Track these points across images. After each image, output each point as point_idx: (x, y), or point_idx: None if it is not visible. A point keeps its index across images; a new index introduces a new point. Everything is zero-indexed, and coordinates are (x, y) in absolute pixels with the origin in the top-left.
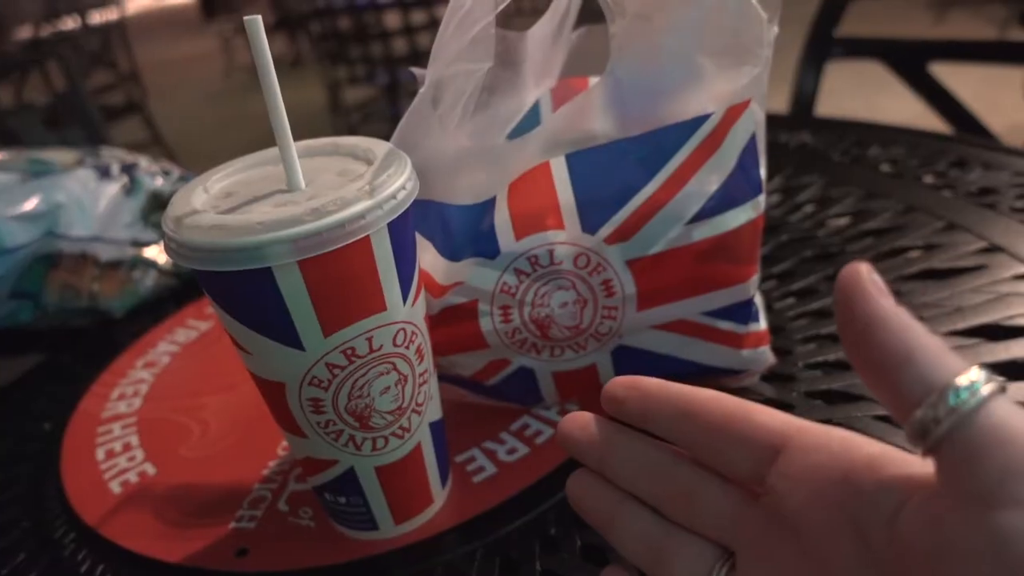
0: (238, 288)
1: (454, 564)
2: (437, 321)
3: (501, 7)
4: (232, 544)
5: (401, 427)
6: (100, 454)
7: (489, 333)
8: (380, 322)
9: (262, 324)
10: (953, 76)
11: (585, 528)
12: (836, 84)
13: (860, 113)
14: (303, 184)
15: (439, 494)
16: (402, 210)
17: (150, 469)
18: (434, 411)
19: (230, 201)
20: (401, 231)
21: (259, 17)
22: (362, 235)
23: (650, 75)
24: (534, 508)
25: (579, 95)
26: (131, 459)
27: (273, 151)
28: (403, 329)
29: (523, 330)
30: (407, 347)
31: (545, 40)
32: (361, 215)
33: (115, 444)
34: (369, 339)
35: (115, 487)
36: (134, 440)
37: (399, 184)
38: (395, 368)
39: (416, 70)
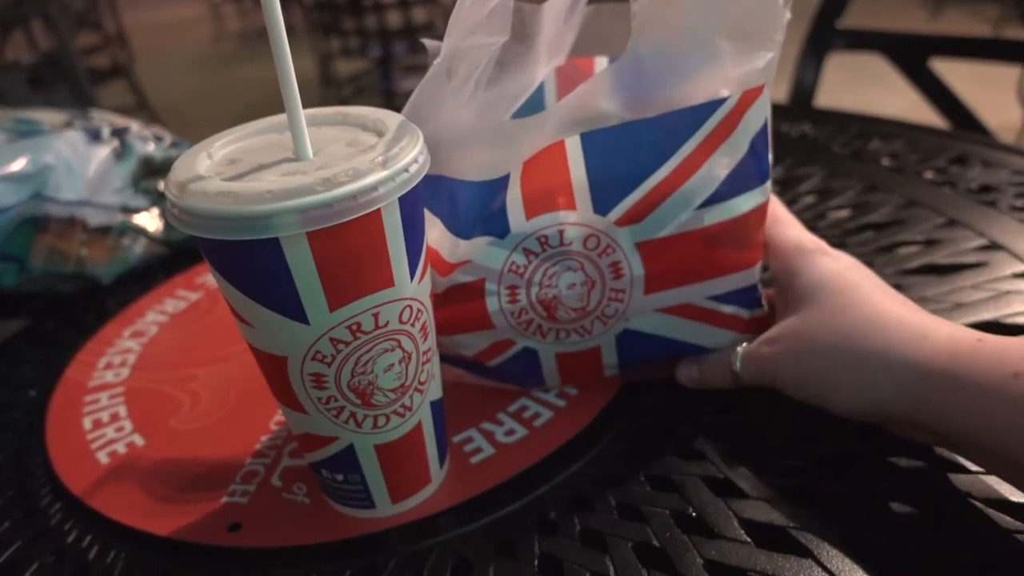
0: (243, 258)
1: (451, 545)
2: (442, 300)
3: None
4: (224, 519)
5: (403, 405)
6: (87, 423)
7: (495, 313)
8: (387, 298)
9: (266, 296)
10: (948, 73)
11: (584, 511)
12: (826, 76)
13: (851, 107)
14: (311, 154)
15: (437, 474)
16: (414, 184)
17: (139, 440)
18: (435, 390)
19: (235, 168)
20: (412, 205)
21: None
22: (373, 208)
23: (670, 55)
24: (532, 491)
25: (597, 73)
26: (119, 430)
27: (277, 118)
28: (409, 306)
29: (530, 311)
30: (412, 324)
31: (559, 15)
32: (374, 187)
33: (102, 414)
34: (375, 315)
35: (102, 458)
36: (122, 410)
37: (411, 157)
38: (400, 345)
39: (428, 42)
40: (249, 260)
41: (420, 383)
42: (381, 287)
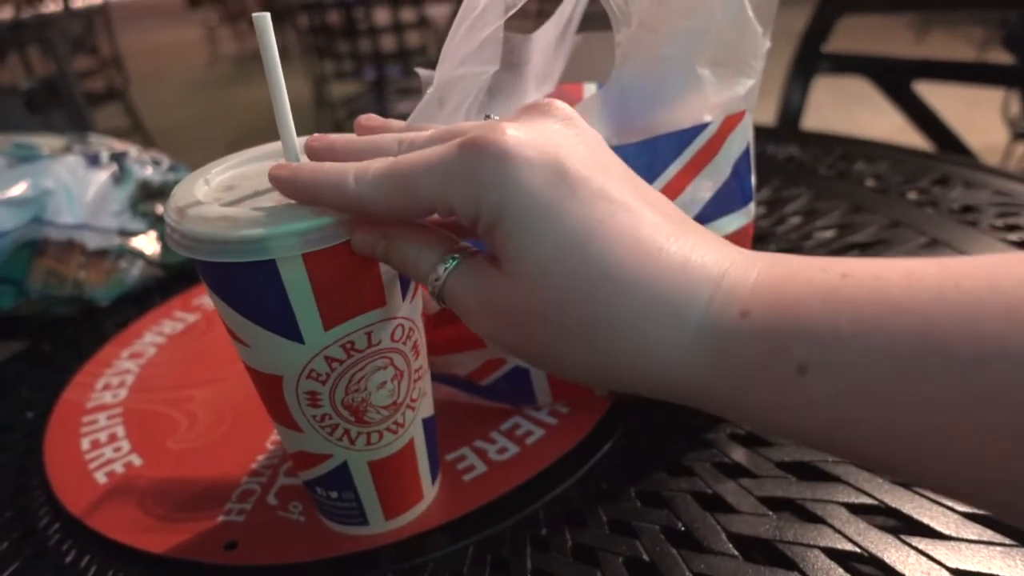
0: (240, 280)
1: (445, 561)
2: (436, 321)
3: (512, 12)
4: (221, 537)
5: (396, 422)
6: (85, 444)
7: None
8: (380, 317)
9: (263, 316)
10: (932, 95)
11: (576, 527)
12: (816, 98)
13: (839, 127)
14: None
15: (429, 490)
16: None
17: (136, 460)
18: (427, 407)
19: (232, 194)
20: None
21: (267, 14)
22: None
23: (652, 84)
24: (525, 508)
25: (582, 101)
26: (117, 450)
27: (272, 146)
28: (401, 324)
29: None
30: (404, 342)
31: (548, 45)
32: None
33: (100, 434)
34: (368, 334)
35: (100, 477)
36: (120, 431)
37: None
38: (392, 363)
39: (422, 71)
40: (246, 281)
41: (412, 400)
42: (374, 306)
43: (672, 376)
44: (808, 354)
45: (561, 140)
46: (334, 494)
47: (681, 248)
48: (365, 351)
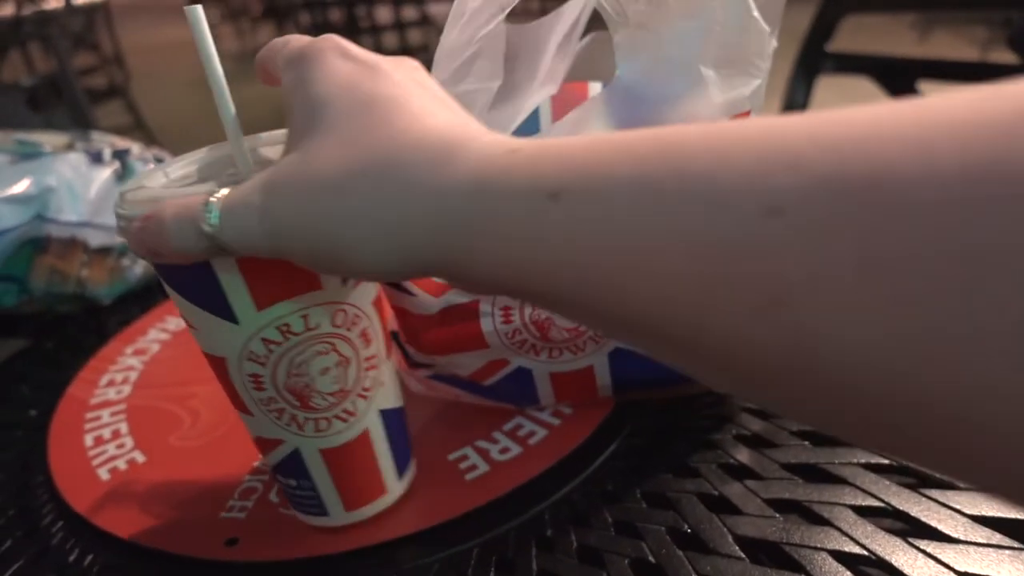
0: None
1: (451, 561)
2: (438, 321)
3: (505, 12)
4: (222, 533)
5: (345, 410)
6: (88, 441)
7: (489, 333)
8: (316, 300)
9: (198, 297)
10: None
11: (581, 528)
12: (820, 98)
13: None
14: (251, 168)
15: (394, 485)
16: None
17: (139, 457)
18: (386, 399)
19: (182, 182)
20: None
21: (199, 6)
22: None
23: (655, 84)
24: (529, 508)
25: (584, 103)
26: (120, 447)
27: (250, 138)
28: (343, 310)
29: (523, 331)
30: (349, 329)
31: (553, 46)
32: None
33: (104, 431)
34: (304, 316)
35: (103, 474)
36: (123, 428)
37: None
38: (335, 349)
39: None
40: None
41: (364, 389)
42: (308, 289)
43: (445, 231)
44: (562, 180)
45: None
46: (293, 482)
47: (460, 116)
48: (303, 334)
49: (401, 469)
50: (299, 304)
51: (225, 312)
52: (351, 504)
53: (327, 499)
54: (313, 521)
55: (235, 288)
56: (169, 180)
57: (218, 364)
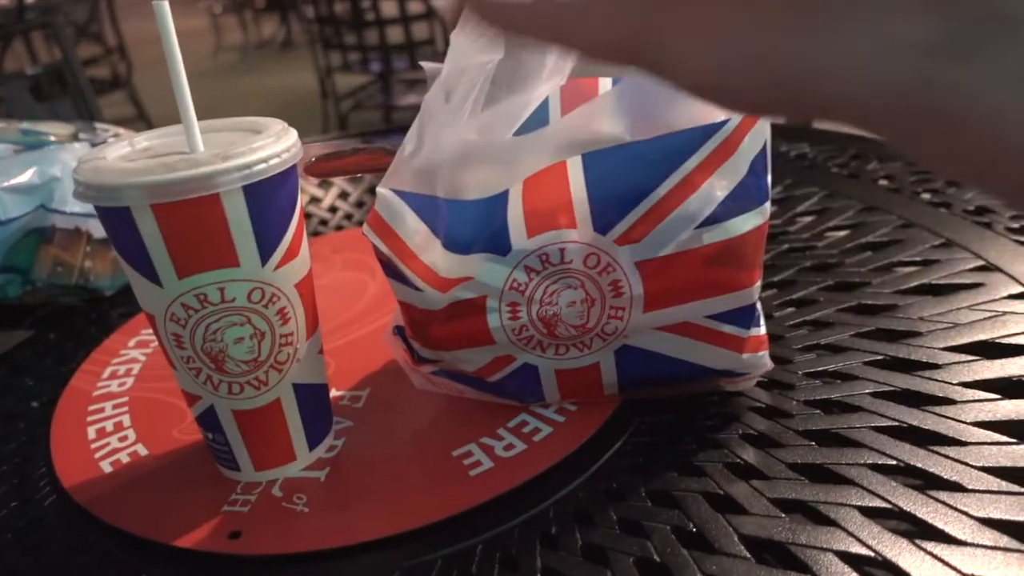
0: (110, 223)
1: (454, 558)
2: (444, 316)
3: None
4: (225, 527)
5: (257, 379)
6: (91, 433)
7: (496, 330)
8: (232, 276)
9: (132, 258)
10: None
11: (585, 526)
12: None
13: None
14: (200, 148)
15: (304, 454)
16: (260, 178)
17: (142, 449)
18: (303, 375)
19: (141, 154)
20: (261, 197)
21: (166, 2)
22: (209, 192)
23: None
24: (534, 506)
25: (598, 96)
26: (123, 439)
27: (215, 122)
28: (260, 288)
29: (530, 327)
30: (266, 307)
31: None
32: (208, 175)
33: (106, 423)
34: (221, 289)
35: (106, 467)
36: (126, 420)
37: (260, 156)
38: (250, 322)
39: (426, 64)
40: (114, 225)
41: (278, 362)
42: (225, 265)
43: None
44: None
45: None
46: (210, 435)
47: None
48: (219, 305)
49: (314, 440)
50: (216, 277)
51: (152, 276)
52: (259, 464)
53: (239, 455)
54: (227, 474)
55: (160, 256)
56: (133, 150)
57: (152, 321)
